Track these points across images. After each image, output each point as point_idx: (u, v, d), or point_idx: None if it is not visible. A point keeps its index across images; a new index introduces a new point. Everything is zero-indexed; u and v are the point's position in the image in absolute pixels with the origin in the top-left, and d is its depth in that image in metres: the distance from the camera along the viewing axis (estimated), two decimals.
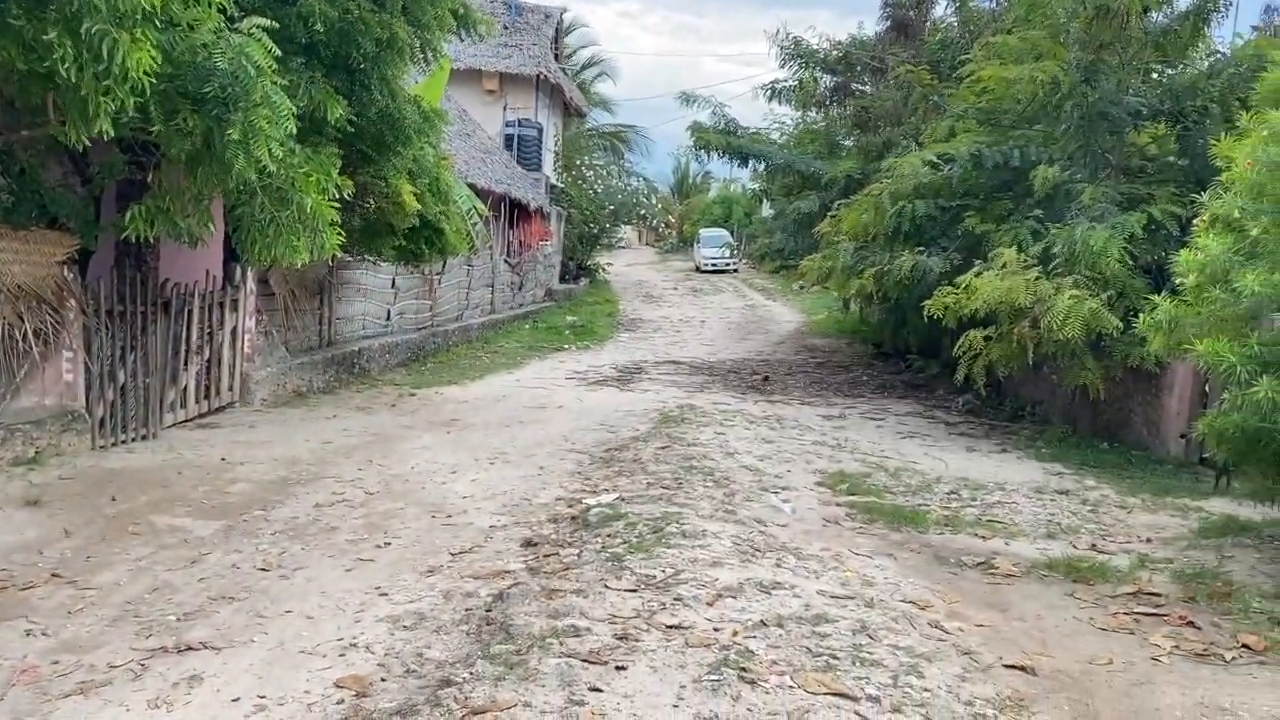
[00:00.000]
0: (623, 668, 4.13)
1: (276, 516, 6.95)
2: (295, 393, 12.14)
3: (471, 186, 17.72)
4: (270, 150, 6.49)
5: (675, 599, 4.99)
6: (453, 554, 6.20)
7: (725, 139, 18.99)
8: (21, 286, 7.72)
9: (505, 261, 24.19)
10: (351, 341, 14.50)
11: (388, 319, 16.17)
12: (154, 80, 5.66)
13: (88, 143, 6.03)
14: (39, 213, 8.20)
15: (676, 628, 4.60)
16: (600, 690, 3.91)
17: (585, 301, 30.22)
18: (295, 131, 6.80)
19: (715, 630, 4.58)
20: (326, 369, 13.14)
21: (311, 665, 4.44)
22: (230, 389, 10.76)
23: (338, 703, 4.02)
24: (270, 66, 6.42)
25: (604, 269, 37.51)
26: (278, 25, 6.68)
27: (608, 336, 23.42)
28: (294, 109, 6.79)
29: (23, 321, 7.74)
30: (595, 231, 36.11)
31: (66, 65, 5.28)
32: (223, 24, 6.35)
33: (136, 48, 5.38)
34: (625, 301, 32.03)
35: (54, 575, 5.57)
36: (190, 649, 4.61)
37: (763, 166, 20.26)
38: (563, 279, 32.37)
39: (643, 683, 4.01)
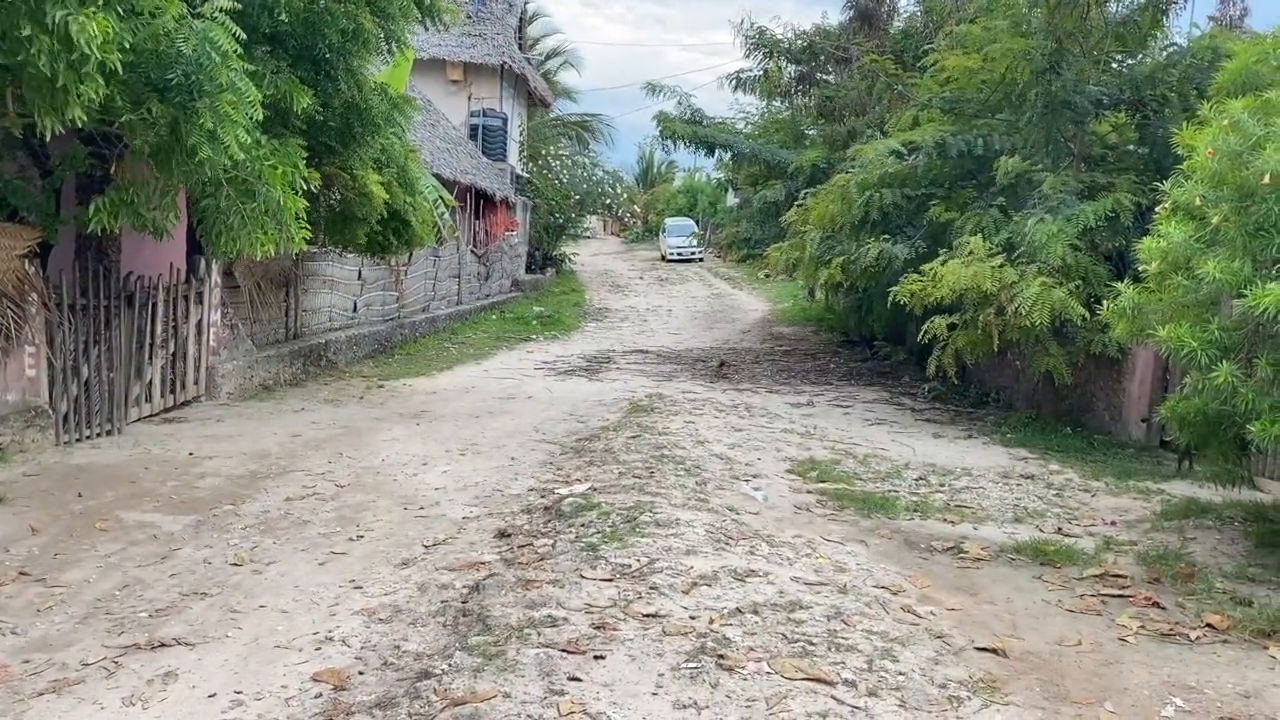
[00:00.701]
0: (601, 657, 4.15)
1: (247, 511, 6.90)
2: (262, 386, 12.02)
3: (437, 177, 17.62)
4: (237, 138, 6.41)
5: (651, 588, 5.01)
6: (426, 546, 6.19)
7: (691, 129, 19.02)
8: None
9: (472, 252, 24.07)
10: (318, 334, 14.38)
11: (354, 311, 16.05)
12: (120, 66, 5.57)
13: (61, 130, 5.92)
14: None
15: (653, 616, 4.62)
16: (579, 680, 3.93)
17: (552, 291, 30.17)
18: (262, 119, 6.72)
19: (692, 618, 4.61)
20: (293, 361, 13.02)
21: (288, 660, 4.43)
22: (196, 383, 10.64)
23: (315, 697, 4.01)
24: (235, 50, 6.34)
25: (570, 259, 37.45)
26: (240, 7, 6.57)
27: (575, 326, 23.41)
28: (260, 96, 6.71)
29: None
30: (561, 221, 36.01)
31: (42, 60, 5.19)
32: (185, 10, 6.26)
33: (97, 24, 5.29)
34: (592, 291, 32.01)
35: (21, 573, 5.50)
36: (164, 645, 4.58)
37: (729, 156, 20.32)
38: (529, 269, 32.26)
39: (621, 672, 4.03)
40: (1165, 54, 12.55)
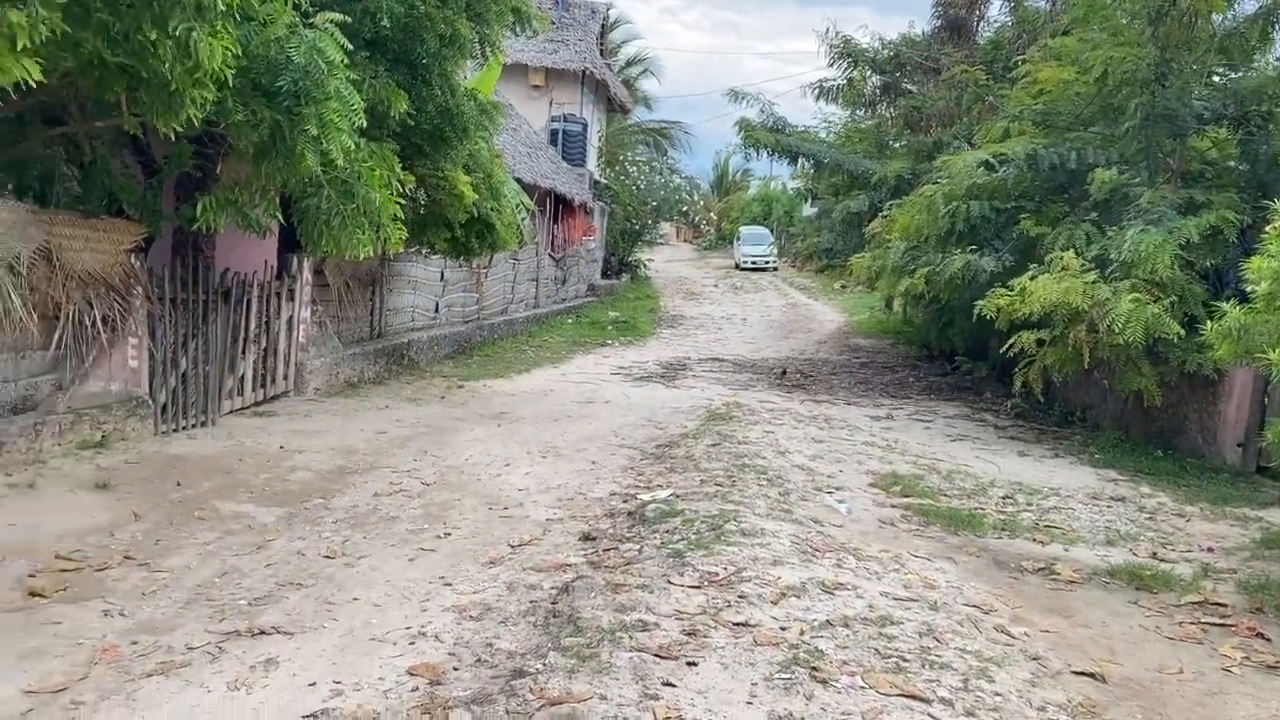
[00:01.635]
0: (694, 664, 4.15)
1: (337, 505, 7.06)
2: (347, 383, 12.28)
3: (518, 181, 17.79)
4: (340, 143, 6.57)
5: (740, 597, 5.00)
6: (512, 546, 6.27)
7: (774, 137, 18.95)
8: (91, 273, 7.87)
9: (550, 256, 24.29)
10: (401, 333, 14.65)
11: (436, 311, 16.31)
12: (229, 77, 5.74)
13: (176, 130, 6.11)
14: (107, 202, 8.36)
15: (743, 625, 4.61)
16: (673, 685, 3.93)
17: (627, 297, 30.27)
18: (364, 126, 6.88)
19: (782, 629, 4.59)
20: (377, 360, 13.28)
21: (382, 652, 4.51)
22: (285, 378, 10.91)
23: (412, 690, 4.08)
24: (342, 61, 6.51)
25: (645, 265, 37.52)
26: (349, 20, 6.75)
27: (650, 332, 23.46)
28: (363, 104, 6.87)
29: (92, 308, 7.88)
30: (637, 227, 36.13)
31: (167, 64, 5.37)
32: (296, 19, 6.44)
33: (217, 42, 5.47)
34: (666, 297, 32.04)
35: (126, 557, 5.69)
36: (264, 633, 4.70)
37: (810, 165, 20.19)
38: (604, 274, 32.45)
39: (714, 679, 4.03)
40: (1274, 68, 12.13)
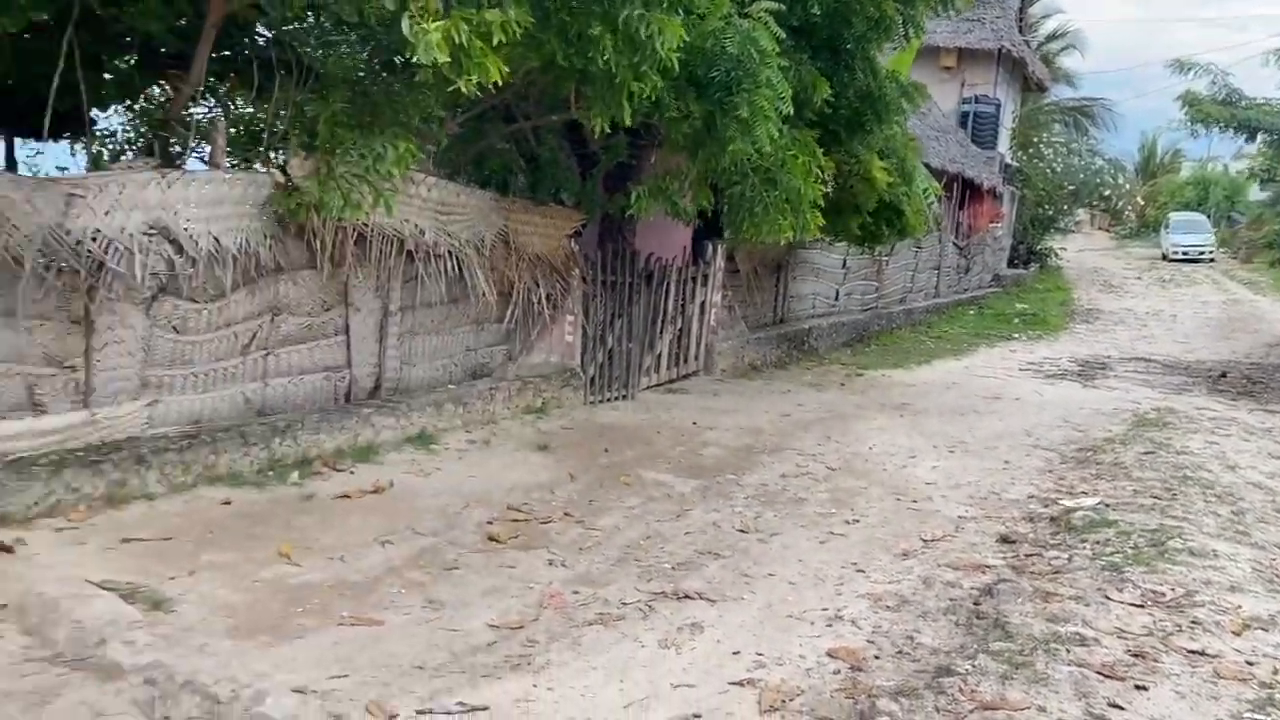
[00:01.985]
0: (1143, 688, 3.79)
1: (747, 481, 7.28)
2: (750, 365, 12.63)
3: (926, 166, 17.26)
4: (768, 131, 6.72)
5: (1192, 622, 4.49)
6: (924, 540, 6.10)
7: (1227, 111, 16.77)
8: (539, 256, 8.71)
9: (953, 244, 23.37)
10: (801, 319, 14.80)
11: (836, 299, 16.29)
12: (677, 64, 6.03)
13: (609, 129, 6.58)
14: (552, 191, 9.22)
15: (1199, 654, 4.13)
16: (1121, 708, 3.61)
17: (1035, 288, 28.35)
18: (790, 114, 6.98)
19: (1249, 664, 4.05)
20: (779, 344, 13.52)
21: (800, 630, 4.57)
22: (696, 358, 11.43)
23: (834, 672, 4.09)
24: (774, 50, 6.63)
25: (1056, 254, 34.89)
26: (781, 7, 6.87)
27: (1061, 327, 21.81)
28: (791, 92, 6.97)
29: (538, 287, 8.74)
30: (1050, 213, 33.65)
31: (606, 57, 5.78)
32: (732, 10, 6.66)
33: (668, 25, 5.74)
34: (1080, 290, 29.58)
35: (565, 514, 6.25)
36: (688, 597, 4.95)
37: (1272, 142, 17.65)
38: (1011, 263, 30.62)
39: (1169, 708, 3.65)
40: None
